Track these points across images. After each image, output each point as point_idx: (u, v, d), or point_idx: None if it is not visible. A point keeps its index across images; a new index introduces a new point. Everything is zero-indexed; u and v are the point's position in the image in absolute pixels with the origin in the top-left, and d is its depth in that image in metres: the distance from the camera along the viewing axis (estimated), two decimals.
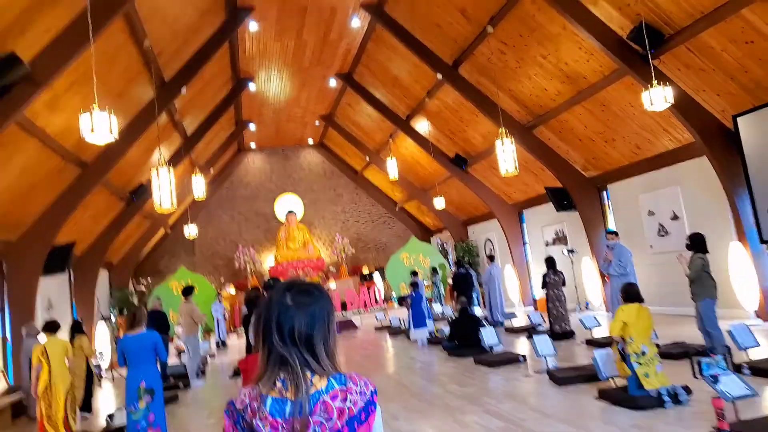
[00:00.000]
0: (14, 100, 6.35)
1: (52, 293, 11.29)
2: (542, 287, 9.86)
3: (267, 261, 20.89)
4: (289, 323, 1.35)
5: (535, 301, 15.66)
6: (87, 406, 8.25)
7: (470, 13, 10.79)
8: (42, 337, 8.82)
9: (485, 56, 11.46)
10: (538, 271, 14.75)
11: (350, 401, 1.33)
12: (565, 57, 10.20)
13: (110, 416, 7.18)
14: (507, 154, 10.20)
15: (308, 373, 1.33)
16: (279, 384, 1.32)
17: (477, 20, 10.81)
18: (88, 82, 7.49)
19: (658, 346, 5.65)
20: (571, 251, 13.00)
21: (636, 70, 8.75)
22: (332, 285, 18.85)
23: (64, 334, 8.06)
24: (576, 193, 12.63)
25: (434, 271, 16.53)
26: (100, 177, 10.30)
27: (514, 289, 16.51)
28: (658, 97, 7.78)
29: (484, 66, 11.83)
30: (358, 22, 12.88)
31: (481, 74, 12.18)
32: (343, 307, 17.53)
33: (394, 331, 13.76)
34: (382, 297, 18.54)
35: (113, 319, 14.61)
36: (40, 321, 10.13)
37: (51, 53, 6.64)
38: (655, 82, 7.84)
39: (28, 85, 6.37)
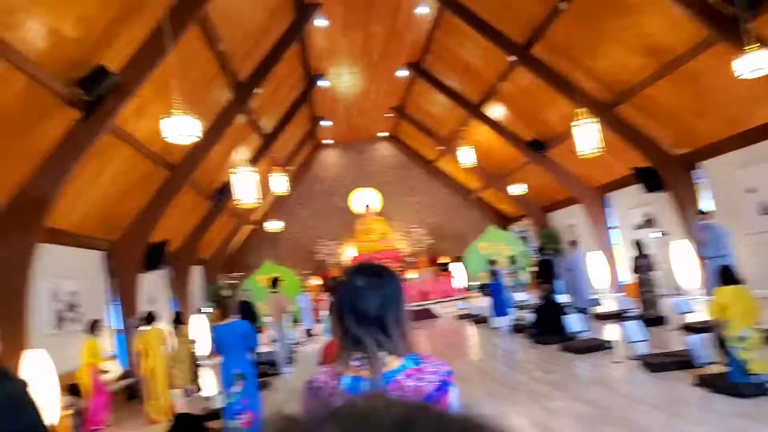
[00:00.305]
0: (106, 110, 6.85)
1: (153, 288, 12.13)
2: (633, 271, 9.40)
3: (347, 253, 21.31)
4: (361, 304, 1.38)
5: (623, 286, 14.98)
6: (197, 386, 9.17)
7: None
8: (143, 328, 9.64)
9: (559, 34, 11.02)
10: (625, 255, 14.10)
11: (425, 380, 1.34)
12: (647, 29, 9.61)
13: (209, 399, 7.63)
14: (586, 135, 9.79)
15: (382, 353, 1.35)
16: (355, 363, 1.35)
17: None
18: (170, 89, 7.96)
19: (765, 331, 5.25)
20: (662, 233, 12.30)
21: (728, 36, 8.09)
22: (411, 275, 18.94)
23: (162, 324, 8.70)
24: (665, 172, 11.90)
25: (512, 260, 16.20)
26: (186, 177, 10.91)
27: (601, 275, 15.86)
28: (754, 63, 7.17)
29: (558, 45, 11.39)
30: (425, 10, 12.79)
31: (556, 53, 11.73)
32: (423, 296, 17.60)
33: (476, 320, 13.64)
34: (462, 286, 18.43)
35: (207, 310, 15.47)
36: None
37: (135, 63, 7.10)
38: (749, 47, 7.23)
39: (118, 95, 6.85)
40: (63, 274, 8.47)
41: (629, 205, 14.39)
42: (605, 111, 11.97)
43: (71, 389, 7.61)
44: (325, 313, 7.15)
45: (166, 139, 6.17)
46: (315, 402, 1.40)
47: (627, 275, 14.06)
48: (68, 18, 5.94)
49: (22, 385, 1.50)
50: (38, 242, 6.86)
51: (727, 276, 5.25)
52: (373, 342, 1.35)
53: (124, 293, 10.23)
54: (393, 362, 1.35)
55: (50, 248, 7.99)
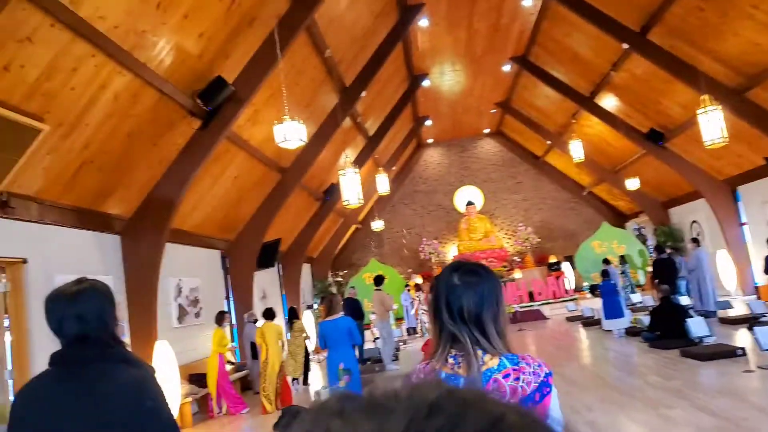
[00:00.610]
0: (224, 118, 7.39)
1: (266, 284, 12.89)
2: (765, 272, 8.50)
3: (450, 252, 21.23)
4: (458, 302, 1.38)
5: (756, 288, 13.57)
6: (305, 379, 9.66)
7: None
8: (260, 322, 10.28)
9: (679, 17, 10.19)
10: (759, 254, 12.76)
11: (523, 381, 1.33)
12: None
13: (317, 393, 7.97)
14: (712, 124, 9.00)
15: (479, 351, 1.36)
16: (451, 360, 1.36)
17: None
18: (282, 95, 8.41)
19: None
20: None
21: None
22: (517, 275, 18.47)
23: (279, 320, 9.28)
24: None
25: (622, 259, 15.21)
26: (297, 180, 11.47)
27: (731, 276, 14.48)
28: None
29: (678, 28, 10.54)
30: (530, 1, 12.41)
31: (676, 37, 10.87)
32: (530, 297, 17.09)
33: (587, 322, 13.02)
34: (572, 287, 17.66)
35: (315, 307, 16.15)
36: (257, 309, 11.67)
37: (249, 73, 7.59)
38: None
39: (234, 104, 7.36)
40: (186, 271, 9.25)
41: (765, 198, 12.99)
42: (734, 96, 10.91)
43: (191, 379, 8.32)
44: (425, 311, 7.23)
45: (280, 145, 6.56)
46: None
47: (761, 276, 12.73)
48: (191, 35, 6.50)
49: (151, 371, 1.66)
50: (166, 242, 7.56)
51: None
52: (470, 339, 1.36)
53: (239, 290, 10.96)
54: (490, 361, 1.35)
55: (175, 248, 8.78)
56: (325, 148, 12.01)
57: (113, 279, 6.92)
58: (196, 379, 8.40)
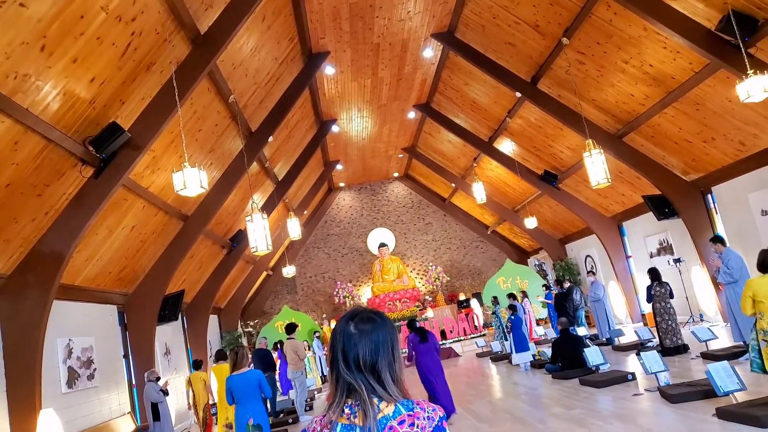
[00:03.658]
0: (120, 166, 7.05)
1: (168, 339, 12.17)
2: (648, 300, 9.22)
3: (365, 294, 21.23)
4: (353, 351, 1.39)
5: (643, 316, 14.66)
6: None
7: (543, 28, 10.63)
8: (162, 381, 9.70)
9: (564, 69, 11.17)
10: (643, 284, 13.82)
11: (417, 426, 1.34)
12: (649, 59, 9.71)
13: None
14: (597, 166, 9.78)
15: (375, 399, 1.36)
16: (347, 410, 1.36)
17: (551, 33, 10.62)
18: (181, 142, 8.19)
19: None
20: (677, 260, 12.10)
21: (729, 62, 8.13)
22: (429, 314, 18.74)
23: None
24: (677, 199, 11.81)
25: (525, 294, 15.93)
26: (201, 228, 11.07)
27: (621, 305, 15.56)
28: (756, 87, 7.19)
29: (563, 79, 11.53)
30: (430, 52, 13.09)
31: (562, 87, 11.87)
32: (443, 335, 17.35)
33: (496, 357, 13.39)
34: (481, 323, 18.15)
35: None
36: (159, 366, 10.96)
37: (147, 119, 7.33)
38: (750, 72, 7.26)
39: (130, 150, 7.06)
40: (78, 330, 8.54)
41: (645, 233, 14.22)
42: (614, 141, 12.00)
43: None
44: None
45: (179, 193, 6.33)
46: None
47: (645, 305, 13.78)
48: (82, 80, 6.22)
49: None
50: (53, 299, 6.99)
51: (763, 263, 5.05)
52: (366, 388, 1.36)
53: (139, 346, 10.27)
54: (386, 408, 1.36)
55: (65, 305, 8.12)
56: (232, 193, 11.77)
57: None
58: None
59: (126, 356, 10.43)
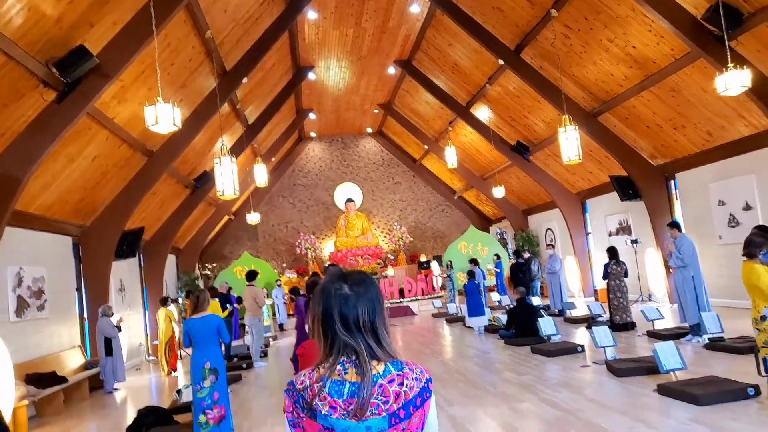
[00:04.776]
0: (85, 92, 6.70)
1: (124, 276, 11.96)
2: (603, 278, 9.52)
3: (327, 248, 21.26)
4: (353, 312, 1.42)
5: (596, 291, 15.19)
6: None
7: None
8: (115, 317, 9.56)
9: (549, 41, 11.10)
10: (599, 261, 14.27)
11: (406, 386, 1.38)
12: (634, 40, 9.73)
13: (178, 392, 7.54)
14: (570, 142, 9.87)
15: (369, 358, 1.40)
16: (339, 367, 1.39)
17: (540, 3, 10.48)
18: (153, 74, 7.83)
19: None
20: (634, 241, 12.49)
21: (710, 53, 8.23)
22: (390, 272, 18.96)
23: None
24: (642, 181, 12.09)
25: (489, 261, 16.33)
26: (165, 165, 10.76)
27: (575, 280, 16.06)
28: (734, 81, 7.30)
29: (547, 51, 11.47)
30: (417, 8, 12.77)
31: (545, 59, 11.82)
32: (401, 293, 17.63)
33: (451, 319, 13.71)
34: (440, 285, 18.50)
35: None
36: (114, 302, 10.80)
37: (118, 46, 6.95)
38: (731, 64, 7.36)
39: (98, 78, 6.70)
40: (29, 259, 8.26)
41: (606, 211, 14.58)
42: (589, 119, 12.10)
43: (29, 379, 7.47)
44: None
45: (150, 128, 6.06)
46: (295, 406, 1.41)
47: (599, 281, 14.26)
48: None
49: None
50: (6, 225, 6.71)
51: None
52: (365, 347, 1.40)
53: (93, 280, 10.06)
54: (377, 366, 1.39)
55: (17, 232, 7.82)
56: (200, 133, 11.42)
57: None
58: (35, 379, 7.53)
59: (79, 289, 10.21)
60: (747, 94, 7.92)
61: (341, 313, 1.42)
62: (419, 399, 1.39)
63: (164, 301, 11.14)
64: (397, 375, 1.39)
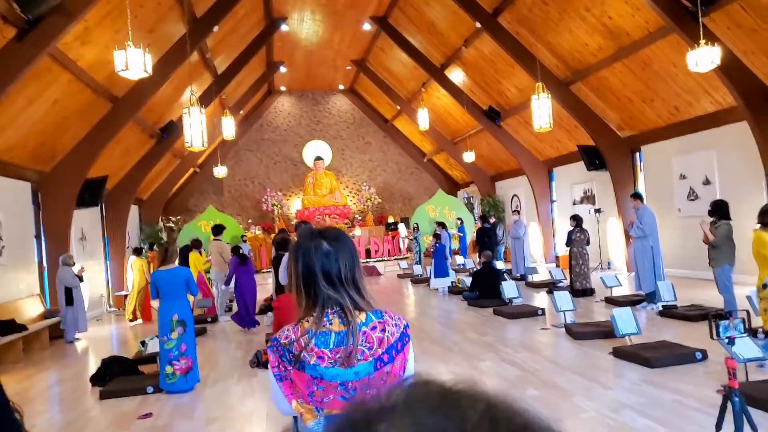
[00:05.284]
0: (47, 32, 6.36)
1: (86, 225, 11.67)
2: (566, 244, 9.80)
3: (294, 205, 21.13)
4: (335, 267, 1.47)
5: (557, 257, 15.64)
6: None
7: None
8: (77, 267, 9.36)
9: (527, 6, 11.03)
10: (562, 228, 14.65)
11: (388, 332, 1.46)
12: (610, 11, 9.76)
13: (143, 343, 7.51)
14: (542, 110, 9.94)
15: (353, 309, 1.47)
16: (324, 319, 1.45)
17: None
18: (120, 16, 7.48)
19: None
20: (598, 210, 12.85)
21: (683, 28, 8.34)
22: (357, 232, 19.03)
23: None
24: (608, 152, 12.35)
25: (454, 224, 16.55)
26: (131, 113, 10.40)
27: (537, 246, 16.48)
28: (704, 58, 7.45)
29: (524, 16, 11.41)
30: None
31: (521, 24, 11.76)
32: (368, 254, 17.77)
33: (416, 280, 13.95)
34: (406, 247, 18.71)
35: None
36: (73, 251, 10.56)
37: None
38: (702, 41, 7.48)
39: (61, 17, 6.36)
40: None
41: (572, 180, 14.88)
42: (561, 87, 12.19)
43: None
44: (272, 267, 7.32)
45: (119, 73, 5.81)
46: (281, 360, 1.44)
47: (562, 247, 14.67)
48: None
49: None
50: None
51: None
52: (348, 299, 1.46)
53: (53, 229, 9.79)
54: (359, 316, 1.46)
55: None
56: (168, 81, 11.03)
57: None
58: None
59: (38, 237, 9.94)
60: (715, 71, 8.10)
61: (323, 268, 1.46)
62: (400, 344, 1.47)
63: (138, 251, 11.20)
64: (378, 322, 1.46)
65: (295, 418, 1.57)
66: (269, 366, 1.47)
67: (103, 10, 7.77)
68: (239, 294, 9.18)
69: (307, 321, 1.46)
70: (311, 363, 1.41)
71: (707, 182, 10.17)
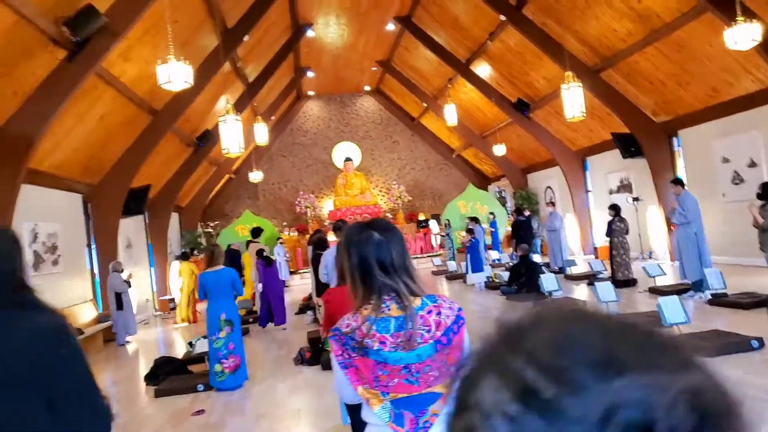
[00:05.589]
0: (94, 51, 6.67)
1: (131, 233, 12.10)
2: (606, 234, 9.69)
3: (326, 207, 21.38)
4: (388, 256, 1.55)
5: (596, 249, 15.45)
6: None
7: None
8: (125, 273, 9.72)
9: None
10: (600, 219, 14.49)
11: (443, 315, 1.54)
12: None
13: (191, 344, 7.78)
14: (574, 99, 9.88)
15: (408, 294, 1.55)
16: (383, 306, 1.52)
17: None
18: (159, 32, 7.76)
19: None
20: (636, 199, 12.66)
21: (718, 6, 8.18)
22: None
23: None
24: (644, 139, 12.16)
25: (488, 219, 16.44)
26: (169, 124, 10.76)
27: (575, 238, 16.31)
28: (744, 35, 7.28)
29: (549, 6, 11.34)
30: None
31: (547, 15, 11.69)
32: None
33: (451, 276, 13.98)
34: (438, 243, 18.75)
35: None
36: (122, 258, 10.97)
37: (124, 4, 6.87)
38: (740, 18, 7.33)
39: (106, 37, 6.65)
40: (43, 216, 8.39)
41: (607, 169, 14.69)
42: (591, 75, 12.07)
43: None
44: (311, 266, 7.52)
45: (162, 86, 6.07)
46: (344, 348, 1.52)
47: (600, 238, 14.49)
48: None
49: (63, 317, 1.57)
50: (21, 182, 6.79)
51: None
52: (404, 285, 1.53)
53: (102, 237, 10.21)
54: (415, 301, 1.54)
55: (31, 189, 7.90)
56: (203, 91, 11.34)
57: None
58: None
59: (89, 245, 10.37)
60: (756, 49, 7.91)
61: (378, 257, 1.54)
62: (456, 326, 1.54)
63: (185, 256, 11.66)
64: (434, 306, 1.54)
65: (353, 408, 1.65)
66: (332, 355, 1.53)
67: (143, 27, 8.07)
68: (263, 295, 9.61)
69: (366, 308, 1.52)
70: (374, 348, 1.47)
71: (753, 164, 9.91)
